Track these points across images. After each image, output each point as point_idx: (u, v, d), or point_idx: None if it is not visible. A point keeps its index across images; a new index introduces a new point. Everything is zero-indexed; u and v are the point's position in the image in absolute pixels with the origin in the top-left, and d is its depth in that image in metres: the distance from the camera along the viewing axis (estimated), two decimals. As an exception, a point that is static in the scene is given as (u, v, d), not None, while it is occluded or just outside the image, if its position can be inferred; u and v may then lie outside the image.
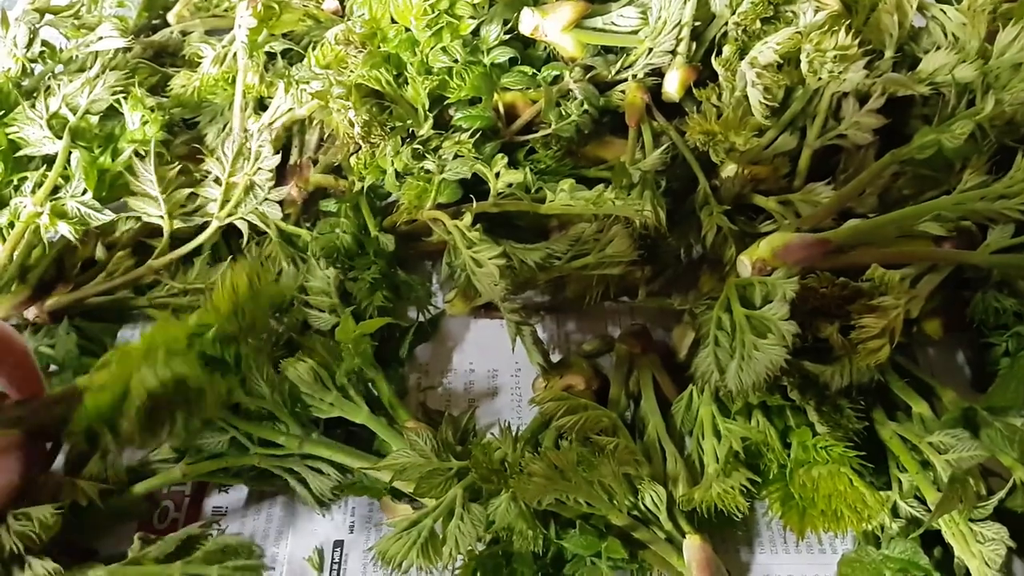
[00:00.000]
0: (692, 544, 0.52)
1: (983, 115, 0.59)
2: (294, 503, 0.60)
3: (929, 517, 0.51)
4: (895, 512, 0.54)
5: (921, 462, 0.54)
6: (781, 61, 0.60)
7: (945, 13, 0.66)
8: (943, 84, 0.62)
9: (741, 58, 0.63)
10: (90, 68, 0.77)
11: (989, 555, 0.49)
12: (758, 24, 0.65)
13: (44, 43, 0.80)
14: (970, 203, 0.57)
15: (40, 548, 0.53)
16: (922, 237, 0.59)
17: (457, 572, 0.52)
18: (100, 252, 0.71)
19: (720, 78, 0.65)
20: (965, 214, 0.58)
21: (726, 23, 0.67)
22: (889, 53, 0.64)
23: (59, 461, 0.60)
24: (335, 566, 0.57)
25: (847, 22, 0.60)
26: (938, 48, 0.63)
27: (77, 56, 0.81)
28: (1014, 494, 0.52)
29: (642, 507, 0.53)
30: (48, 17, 0.83)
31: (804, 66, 0.59)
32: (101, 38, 0.81)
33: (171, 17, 0.91)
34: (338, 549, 0.58)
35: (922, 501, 0.53)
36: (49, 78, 0.77)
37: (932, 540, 0.53)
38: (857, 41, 0.59)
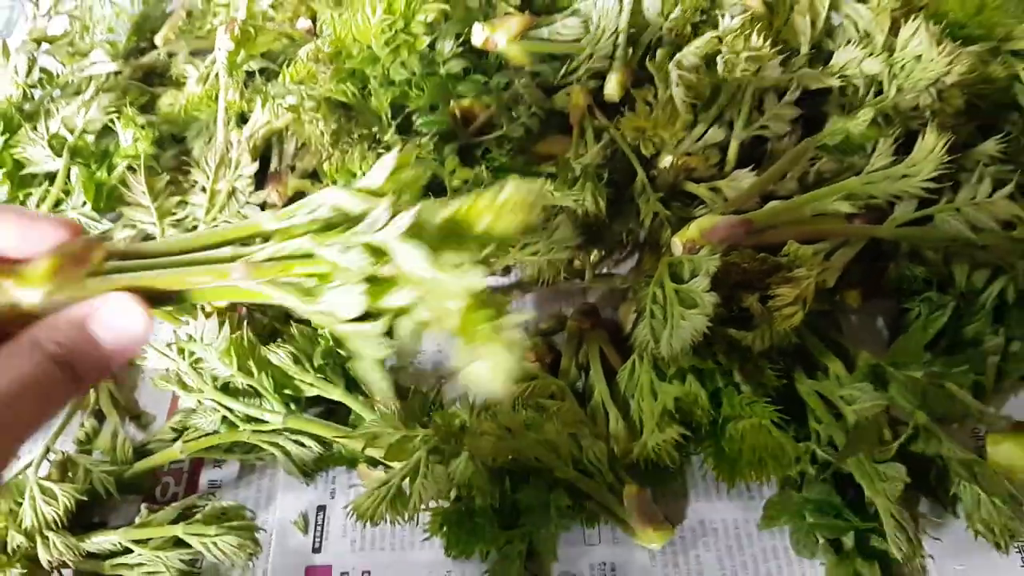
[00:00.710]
0: (630, 493, 0.58)
1: (885, 103, 0.66)
2: (281, 475, 0.66)
3: (836, 459, 0.58)
4: (813, 459, 0.60)
5: (835, 414, 0.60)
6: (703, 63, 0.66)
7: (857, 11, 0.73)
8: (853, 76, 0.69)
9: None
10: (85, 91, 0.83)
11: (890, 491, 0.56)
12: (689, 28, 0.72)
13: (42, 70, 0.86)
14: (877, 183, 0.64)
15: (60, 525, 0.60)
16: (835, 215, 0.66)
17: (427, 526, 0.59)
18: (100, 259, 0.77)
19: (655, 79, 0.71)
20: (874, 193, 0.64)
21: (661, 28, 0.73)
22: (804, 50, 0.70)
23: (71, 441, 0.67)
24: (319, 528, 0.64)
25: (762, 24, 0.67)
26: (849, 43, 0.69)
27: (73, 80, 0.87)
28: (916, 439, 0.59)
29: (585, 461, 0.59)
30: (45, 46, 0.89)
31: (720, 66, 0.65)
32: (94, 63, 0.87)
33: (158, 40, 0.96)
34: (321, 513, 0.64)
35: (836, 448, 0.59)
36: (48, 102, 0.83)
37: (847, 483, 0.59)
38: (770, 42, 0.65)
